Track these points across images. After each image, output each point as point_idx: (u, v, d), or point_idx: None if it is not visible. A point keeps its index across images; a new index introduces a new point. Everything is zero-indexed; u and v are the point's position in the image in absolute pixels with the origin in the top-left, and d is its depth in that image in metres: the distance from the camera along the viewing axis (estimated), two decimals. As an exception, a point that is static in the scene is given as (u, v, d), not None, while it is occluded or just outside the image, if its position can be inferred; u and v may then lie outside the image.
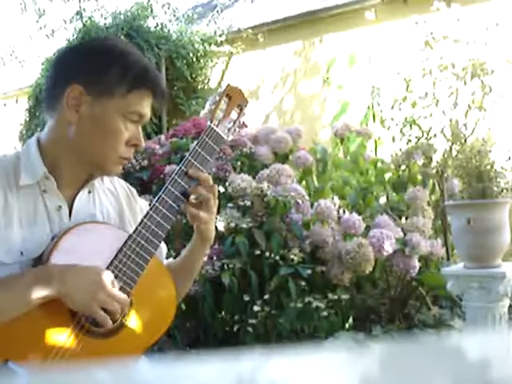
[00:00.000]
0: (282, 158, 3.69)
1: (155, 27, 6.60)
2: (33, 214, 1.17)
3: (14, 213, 1.14)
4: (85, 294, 1.07)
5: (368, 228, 3.07)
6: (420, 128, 3.47)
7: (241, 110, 1.37)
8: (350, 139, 3.94)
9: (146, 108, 1.21)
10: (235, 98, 1.35)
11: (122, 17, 6.43)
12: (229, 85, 1.36)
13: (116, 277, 1.15)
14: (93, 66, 1.18)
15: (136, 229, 1.19)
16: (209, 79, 6.87)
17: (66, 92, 1.16)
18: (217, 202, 1.29)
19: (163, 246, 1.38)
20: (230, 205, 3.07)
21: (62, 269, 1.08)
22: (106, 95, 1.16)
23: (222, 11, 7.10)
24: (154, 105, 1.24)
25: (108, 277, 1.11)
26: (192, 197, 1.24)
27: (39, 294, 1.05)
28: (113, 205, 1.31)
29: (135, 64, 1.19)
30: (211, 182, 1.27)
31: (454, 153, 3.28)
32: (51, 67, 1.24)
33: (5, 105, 8.36)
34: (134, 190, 1.40)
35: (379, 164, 3.79)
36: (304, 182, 3.62)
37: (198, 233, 1.30)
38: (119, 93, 1.16)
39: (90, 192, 1.26)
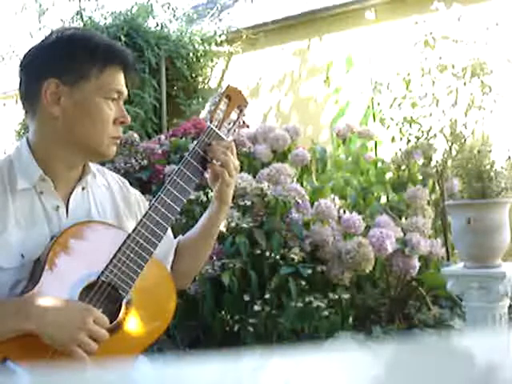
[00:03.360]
0: (281, 156, 3.70)
1: (155, 27, 6.59)
2: (31, 216, 1.16)
3: (10, 217, 1.14)
4: (64, 333, 1.05)
5: (368, 228, 3.07)
6: (420, 128, 3.47)
7: (241, 110, 1.37)
8: (351, 140, 3.94)
9: (121, 84, 1.23)
10: (235, 98, 1.35)
11: (122, 17, 6.42)
12: (229, 86, 1.36)
13: (115, 276, 1.15)
14: (61, 57, 1.19)
15: (135, 228, 1.19)
16: (209, 79, 6.87)
17: (41, 90, 1.16)
18: (238, 166, 1.31)
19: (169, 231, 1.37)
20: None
21: (43, 304, 1.06)
22: (81, 80, 1.17)
23: (221, 11, 7.09)
24: (126, 80, 1.25)
25: (90, 314, 1.08)
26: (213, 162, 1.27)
27: (15, 327, 1.04)
28: (107, 199, 1.31)
29: (100, 43, 1.21)
30: (231, 145, 1.29)
31: (454, 152, 3.28)
32: (20, 71, 1.23)
33: (4, 105, 8.35)
34: (126, 181, 1.41)
35: (379, 164, 3.79)
36: (302, 181, 3.62)
37: (217, 196, 1.33)
38: (94, 74, 1.18)
39: (83, 189, 1.26)
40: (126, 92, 1.24)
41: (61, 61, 1.18)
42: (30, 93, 1.21)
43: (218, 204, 1.35)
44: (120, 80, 1.22)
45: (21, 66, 1.23)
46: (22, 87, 1.23)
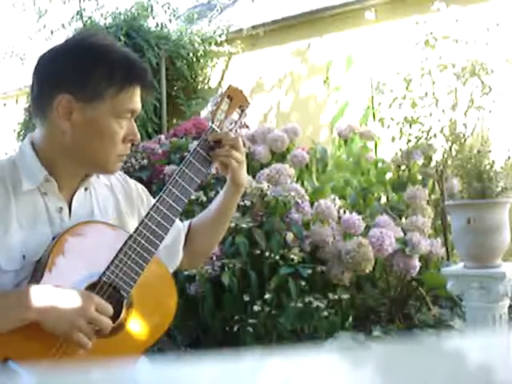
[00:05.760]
0: (280, 157, 3.69)
1: (155, 27, 6.59)
2: (33, 217, 1.16)
3: (13, 218, 1.14)
4: (65, 320, 1.06)
5: (368, 228, 3.08)
6: (420, 128, 3.47)
7: (242, 111, 1.37)
8: (353, 140, 3.94)
9: (137, 103, 1.20)
10: (236, 99, 1.36)
11: (122, 17, 6.42)
12: (230, 86, 1.37)
13: (116, 276, 1.15)
14: (77, 71, 1.16)
15: (137, 228, 1.19)
16: (209, 79, 6.87)
17: (54, 102, 1.14)
18: (243, 150, 1.32)
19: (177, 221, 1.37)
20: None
21: (44, 293, 1.07)
22: (96, 99, 1.15)
23: (222, 11, 7.09)
24: (142, 94, 1.22)
25: (91, 302, 1.08)
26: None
27: (18, 317, 1.05)
28: (109, 199, 1.31)
29: (120, 61, 1.17)
30: (231, 136, 1.30)
31: (454, 152, 3.28)
32: (34, 75, 1.20)
33: (5, 105, 8.35)
34: (126, 176, 1.40)
35: (380, 164, 3.79)
36: (301, 181, 3.62)
37: (231, 180, 1.35)
38: (109, 94, 1.15)
39: (86, 189, 1.26)
40: (139, 109, 1.22)
41: (77, 76, 1.15)
42: (41, 101, 1.18)
43: (233, 186, 1.36)
44: (135, 99, 1.19)
45: (36, 68, 1.20)
46: (34, 92, 1.19)
